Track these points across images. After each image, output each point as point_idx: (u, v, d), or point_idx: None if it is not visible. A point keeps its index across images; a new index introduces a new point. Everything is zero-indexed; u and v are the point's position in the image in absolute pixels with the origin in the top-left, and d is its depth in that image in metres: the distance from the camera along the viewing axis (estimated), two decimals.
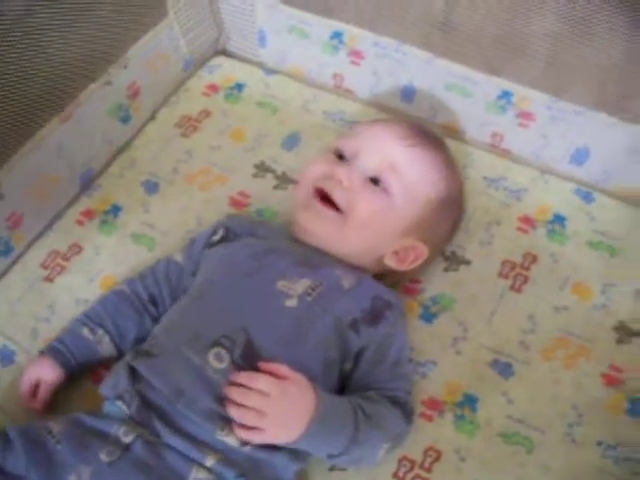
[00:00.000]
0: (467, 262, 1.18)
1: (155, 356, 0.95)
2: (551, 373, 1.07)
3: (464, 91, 1.27)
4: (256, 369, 0.90)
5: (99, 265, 1.18)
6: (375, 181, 1.05)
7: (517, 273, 1.16)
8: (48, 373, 1.02)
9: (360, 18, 1.29)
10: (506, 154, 1.31)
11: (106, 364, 1.06)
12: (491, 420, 1.04)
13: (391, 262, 1.07)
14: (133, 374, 0.94)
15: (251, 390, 0.88)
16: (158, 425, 0.89)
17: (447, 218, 1.12)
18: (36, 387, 1.02)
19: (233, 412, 0.87)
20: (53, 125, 1.16)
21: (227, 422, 0.88)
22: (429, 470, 1.00)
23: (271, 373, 0.89)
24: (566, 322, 1.12)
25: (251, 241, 1.08)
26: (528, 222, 1.22)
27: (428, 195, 1.06)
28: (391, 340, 1.01)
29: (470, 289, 1.16)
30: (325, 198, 1.05)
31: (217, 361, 0.91)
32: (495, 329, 1.12)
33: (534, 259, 1.18)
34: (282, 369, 0.90)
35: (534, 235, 1.21)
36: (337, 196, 1.04)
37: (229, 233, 1.11)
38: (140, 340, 1.05)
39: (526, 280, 1.16)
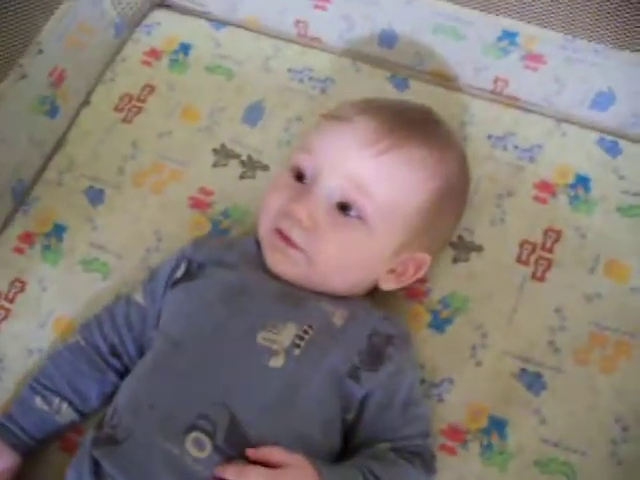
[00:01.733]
0: (478, 249, 1.00)
1: (120, 444, 0.79)
2: (587, 380, 0.92)
3: (455, 33, 1.05)
4: (243, 453, 0.75)
5: (48, 304, 1.00)
6: (345, 207, 0.85)
7: (539, 257, 0.99)
8: (1, 461, 0.87)
9: None
10: (512, 102, 1.09)
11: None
12: (524, 447, 0.90)
13: (389, 283, 0.91)
14: (97, 466, 0.79)
15: None
16: None
17: (449, 212, 0.93)
18: None
19: None
20: None
21: None
22: None
23: (263, 462, 0.74)
24: (600, 313, 0.95)
25: (218, 276, 0.90)
26: (546, 188, 1.03)
27: (417, 203, 0.87)
28: (398, 380, 0.85)
29: (485, 283, 0.98)
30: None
31: (197, 449, 0.76)
32: (518, 330, 0.95)
33: (557, 236, 1.00)
34: (275, 454, 0.75)
35: (555, 205, 1.02)
36: (297, 239, 0.85)
37: (192, 266, 0.92)
38: (106, 398, 0.90)
39: (550, 264, 0.98)
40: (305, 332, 0.83)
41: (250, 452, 0.75)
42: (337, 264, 0.86)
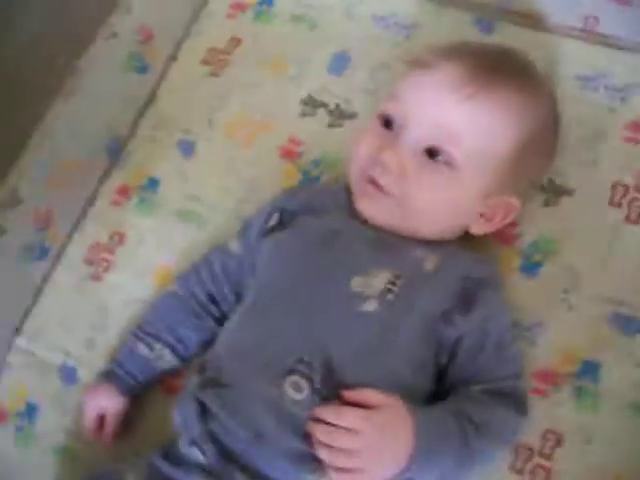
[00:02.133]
0: (569, 192, 0.98)
1: (224, 387, 0.83)
2: None
3: None
4: (340, 396, 0.78)
5: (147, 255, 1.05)
6: (433, 152, 0.85)
7: (632, 198, 0.96)
8: (111, 403, 0.94)
9: None
10: (603, 41, 1.05)
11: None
12: (617, 390, 0.89)
13: (479, 227, 0.91)
14: (203, 407, 0.83)
15: (339, 428, 0.75)
16: (241, 478, 0.79)
17: (539, 155, 0.92)
18: (101, 418, 0.94)
19: (323, 454, 0.76)
20: (57, 105, 1.00)
21: (319, 463, 0.77)
22: (550, 457, 0.87)
23: (359, 403, 0.77)
24: None
25: (311, 224, 0.92)
26: (638, 129, 1.00)
27: (504, 147, 0.86)
28: (490, 322, 0.86)
29: (576, 226, 0.97)
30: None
31: (295, 391, 0.79)
32: (611, 273, 0.94)
33: None
34: (371, 396, 0.77)
35: None
36: (387, 185, 0.86)
37: (285, 216, 0.94)
38: (205, 344, 0.94)
39: None
40: (397, 278, 0.84)
41: (346, 394, 0.78)
42: (426, 209, 0.87)
